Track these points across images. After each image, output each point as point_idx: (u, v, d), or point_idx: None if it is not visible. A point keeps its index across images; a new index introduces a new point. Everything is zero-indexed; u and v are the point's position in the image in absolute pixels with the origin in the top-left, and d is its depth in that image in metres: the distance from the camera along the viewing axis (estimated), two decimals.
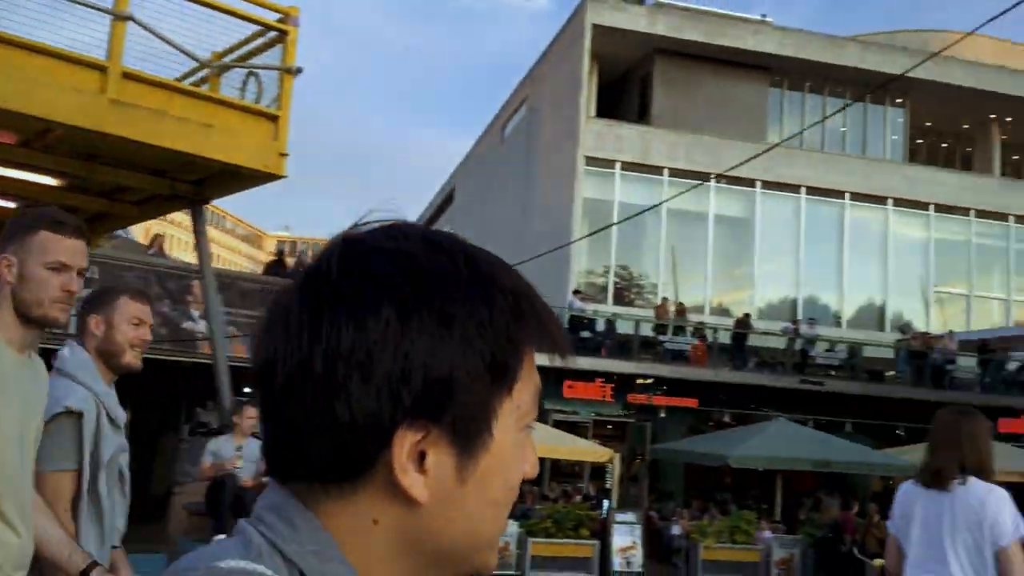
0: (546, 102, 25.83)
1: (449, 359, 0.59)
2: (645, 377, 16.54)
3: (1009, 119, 26.71)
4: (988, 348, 19.36)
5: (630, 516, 11.98)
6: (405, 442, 0.59)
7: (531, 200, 25.76)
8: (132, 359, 2.40)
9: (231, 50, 5.65)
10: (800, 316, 23.11)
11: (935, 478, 3.46)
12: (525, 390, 0.63)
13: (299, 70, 5.22)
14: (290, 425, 0.60)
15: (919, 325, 23.18)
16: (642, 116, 24.81)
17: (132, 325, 2.39)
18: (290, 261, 16.68)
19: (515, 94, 29.21)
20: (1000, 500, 3.38)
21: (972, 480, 3.39)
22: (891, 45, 25.89)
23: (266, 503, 0.63)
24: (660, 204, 17.47)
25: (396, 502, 0.60)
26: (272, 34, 5.35)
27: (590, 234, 17.84)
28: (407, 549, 0.61)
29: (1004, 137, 27.42)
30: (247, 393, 7.51)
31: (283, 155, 5.04)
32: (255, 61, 5.51)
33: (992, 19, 6.34)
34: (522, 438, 0.64)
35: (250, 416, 6.02)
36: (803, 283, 24.19)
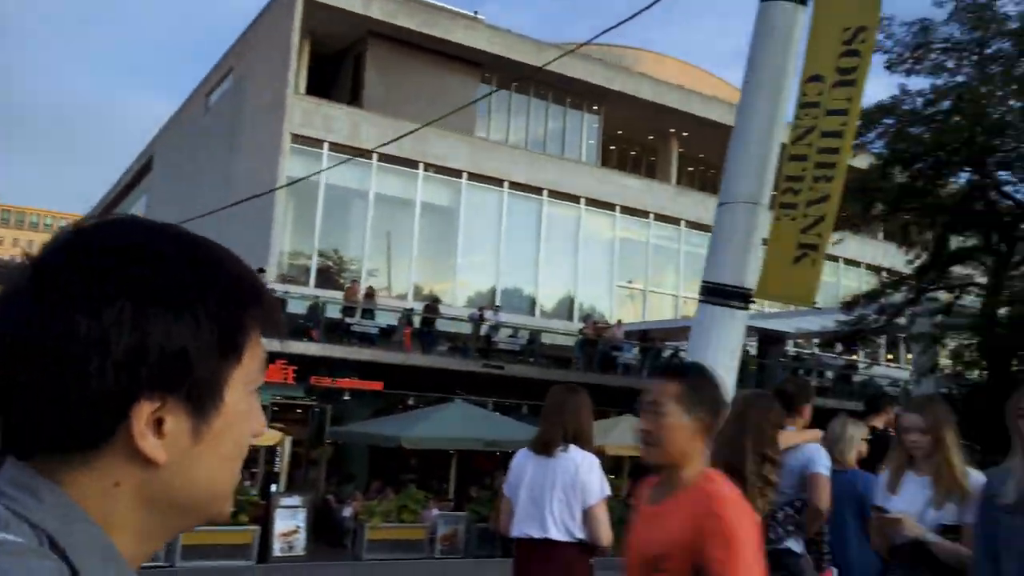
0: (254, 73, 24.73)
1: (183, 338, 0.65)
2: (329, 359, 16.39)
3: (686, 134, 29.86)
4: (648, 338, 21.55)
5: (295, 500, 11.76)
6: (143, 412, 0.64)
7: (235, 174, 24.55)
8: None
9: None
10: (499, 305, 24.22)
11: (543, 446, 3.86)
12: (253, 360, 0.71)
13: None
14: (27, 404, 0.64)
15: (606, 316, 25.21)
16: (354, 98, 24.57)
17: None
18: None
19: (223, 61, 27.67)
20: (591, 465, 3.82)
21: (572, 448, 3.81)
22: (590, 56, 27.79)
23: (6, 478, 0.65)
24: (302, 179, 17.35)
25: (136, 464, 0.65)
26: None
27: (254, 197, 17.14)
28: (149, 505, 0.66)
29: (681, 150, 30.62)
30: None
31: None
32: None
33: (607, 30, 6.87)
34: (251, 401, 0.72)
35: None
36: (503, 273, 25.34)
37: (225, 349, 0.68)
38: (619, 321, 22.35)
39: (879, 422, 5.84)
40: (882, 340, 26.93)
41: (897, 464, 3.60)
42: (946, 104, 15.97)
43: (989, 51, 16.37)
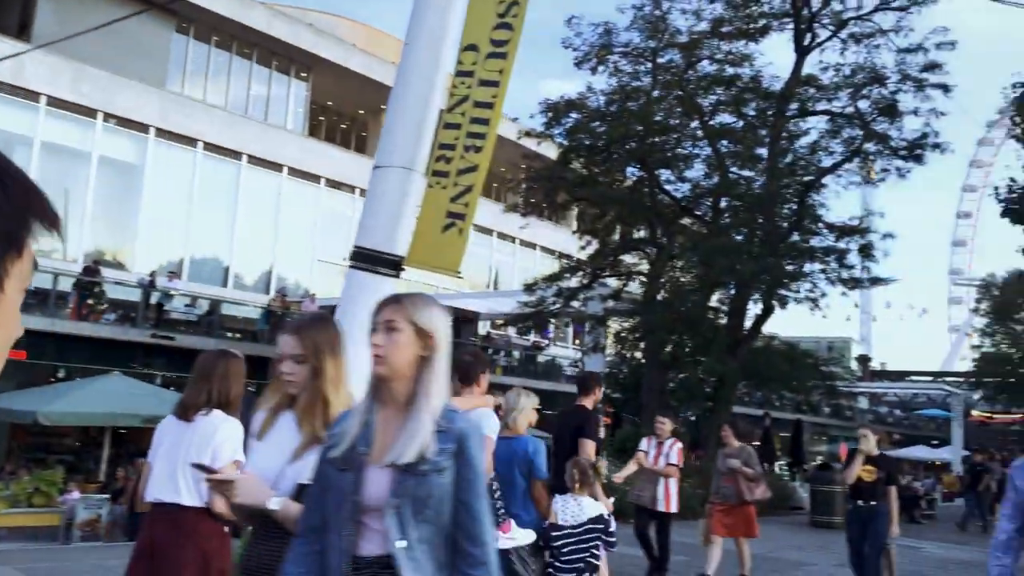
0: None
1: None
2: None
3: None
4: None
5: None
6: None
7: None
8: None
9: None
10: (186, 273, 22.52)
11: (183, 410, 3.80)
12: (29, 258, 0.73)
13: None
14: None
15: (307, 291, 24.40)
16: (22, 32, 21.58)
17: None
18: None
19: None
20: (230, 428, 3.78)
21: (215, 412, 3.75)
22: (300, 20, 26.75)
23: None
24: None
25: None
26: None
27: None
28: None
29: None
30: None
31: None
32: None
33: None
34: (20, 299, 0.73)
35: None
36: (194, 240, 23.68)
37: (10, 243, 0.69)
38: (313, 295, 21.80)
39: (588, 402, 6.51)
40: (567, 322, 28.77)
41: (276, 402, 2.66)
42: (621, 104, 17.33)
43: (662, 60, 17.98)
